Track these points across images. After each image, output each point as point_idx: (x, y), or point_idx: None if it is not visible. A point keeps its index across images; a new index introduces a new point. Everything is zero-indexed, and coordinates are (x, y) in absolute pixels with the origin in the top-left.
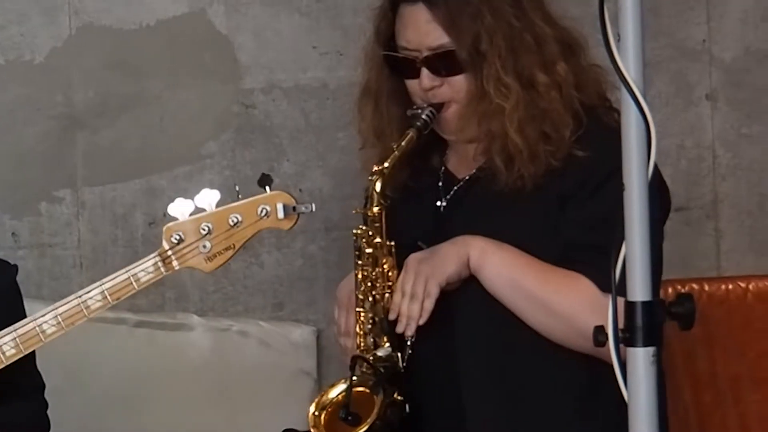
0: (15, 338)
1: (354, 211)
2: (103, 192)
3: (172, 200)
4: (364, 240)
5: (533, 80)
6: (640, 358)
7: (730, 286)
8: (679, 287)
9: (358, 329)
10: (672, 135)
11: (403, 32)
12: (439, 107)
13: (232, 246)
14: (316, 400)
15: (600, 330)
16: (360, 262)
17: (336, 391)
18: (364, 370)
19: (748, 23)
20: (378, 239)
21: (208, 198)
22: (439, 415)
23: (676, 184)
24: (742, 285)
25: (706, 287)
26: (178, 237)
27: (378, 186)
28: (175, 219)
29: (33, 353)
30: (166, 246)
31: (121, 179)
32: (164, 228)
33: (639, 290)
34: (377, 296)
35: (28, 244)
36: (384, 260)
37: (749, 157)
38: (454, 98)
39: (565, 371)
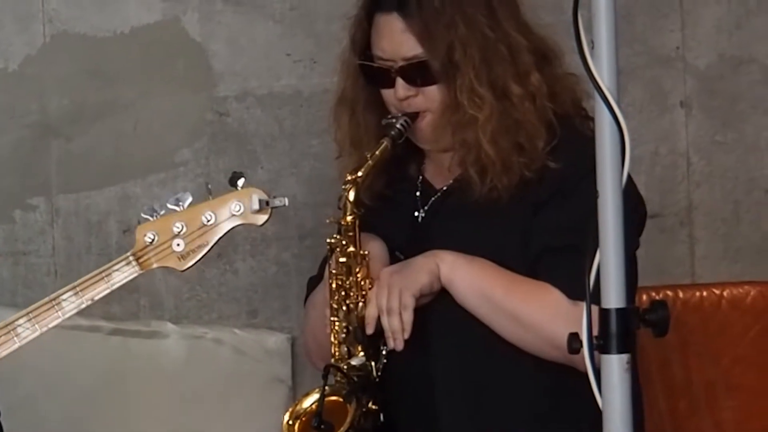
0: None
1: (327, 220)
2: (77, 199)
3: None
4: (338, 249)
5: (507, 91)
6: (615, 365)
7: (705, 293)
8: (653, 294)
9: (332, 339)
10: (646, 142)
11: (378, 42)
12: (413, 117)
13: (205, 243)
14: (290, 409)
15: (574, 337)
16: (334, 271)
17: (310, 400)
18: (338, 379)
19: (722, 30)
20: (352, 248)
21: (180, 199)
22: (413, 424)
23: (650, 191)
24: (717, 292)
25: (681, 294)
26: (151, 236)
27: (351, 195)
28: (147, 219)
29: None
30: (139, 245)
31: (95, 187)
32: (137, 228)
33: (613, 297)
34: (351, 305)
35: (2, 252)
36: (358, 269)
37: (723, 164)
38: (428, 108)
39: (538, 380)
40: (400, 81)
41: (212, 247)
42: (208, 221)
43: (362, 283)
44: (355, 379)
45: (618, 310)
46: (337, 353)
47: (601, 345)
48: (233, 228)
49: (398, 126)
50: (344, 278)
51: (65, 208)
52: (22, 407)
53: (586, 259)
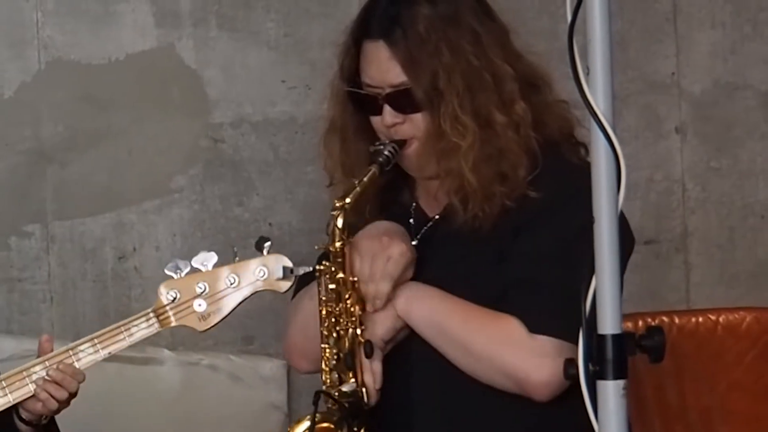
0: (3, 387)
1: (316, 247)
2: (72, 226)
3: (142, 234)
4: (326, 276)
5: (490, 119)
6: (611, 391)
7: (700, 319)
8: (649, 320)
9: (323, 365)
10: (641, 168)
11: (366, 69)
12: (401, 144)
13: (227, 306)
14: None
15: (570, 363)
16: (323, 298)
17: (302, 428)
18: (330, 405)
19: (717, 56)
20: (341, 275)
21: (205, 259)
22: None
23: (645, 217)
24: (712, 318)
25: (676, 320)
26: (173, 294)
27: (339, 221)
28: (170, 277)
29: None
30: (161, 302)
31: (90, 213)
32: (160, 285)
33: (609, 323)
34: (341, 332)
35: None
36: (347, 295)
37: (719, 190)
38: (415, 135)
39: (525, 410)
40: (387, 108)
41: (233, 310)
42: (231, 284)
43: (352, 309)
44: (346, 405)
45: (614, 336)
46: (328, 380)
47: (597, 371)
48: (255, 293)
49: (386, 153)
50: (334, 305)
51: (60, 235)
52: None
53: (549, 292)
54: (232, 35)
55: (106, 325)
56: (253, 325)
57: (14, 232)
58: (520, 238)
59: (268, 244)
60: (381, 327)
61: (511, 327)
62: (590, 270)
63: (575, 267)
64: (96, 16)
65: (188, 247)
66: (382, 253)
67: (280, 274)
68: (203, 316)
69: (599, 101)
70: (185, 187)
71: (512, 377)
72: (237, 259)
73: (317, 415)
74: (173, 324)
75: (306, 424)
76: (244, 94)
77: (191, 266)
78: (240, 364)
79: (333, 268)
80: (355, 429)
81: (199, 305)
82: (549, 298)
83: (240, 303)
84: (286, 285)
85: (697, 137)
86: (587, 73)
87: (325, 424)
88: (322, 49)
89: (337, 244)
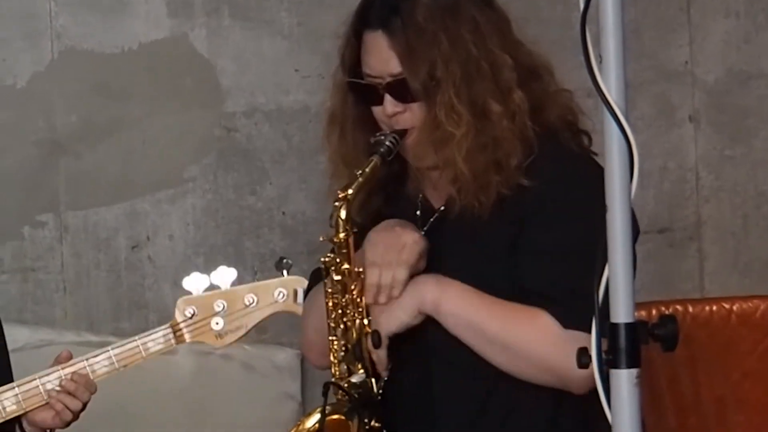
0: (17, 394)
1: (321, 239)
2: (85, 216)
3: (155, 223)
4: (332, 267)
5: (486, 109)
6: (624, 379)
7: (714, 308)
8: (662, 309)
9: (332, 357)
10: (655, 157)
11: (366, 59)
12: (402, 134)
13: (244, 326)
14: (294, 428)
15: (583, 352)
16: (329, 290)
17: (313, 420)
18: (339, 397)
19: (731, 45)
20: (346, 266)
21: (224, 276)
22: None
23: (659, 206)
24: (726, 306)
25: (690, 309)
26: (191, 311)
27: (343, 213)
28: (189, 292)
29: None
30: (178, 318)
31: (103, 203)
32: (178, 300)
33: (622, 312)
34: (348, 323)
35: (11, 269)
36: (353, 287)
37: (732, 178)
38: (415, 125)
39: (540, 398)
40: (388, 97)
41: (250, 330)
42: (250, 304)
43: (358, 300)
44: (356, 396)
45: (627, 324)
46: (337, 372)
47: (610, 360)
48: (273, 314)
49: (387, 143)
50: (340, 296)
51: (74, 225)
52: None
53: (573, 286)
54: (246, 24)
55: (119, 314)
56: None
57: (28, 221)
58: (530, 230)
59: (289, 265)
60: (395, 321)
61: (547, 323)
62: (602, 259)
63: (589, 257)
64: (109, 6)
65: (202, 237)
66: (395, 241)
67: (301, 300)
68: (220, 335)
69: (612, 90)
70: (198, 177)
71: (553, 373)
72: (257, 278)
73: (328, 406)
74: (188, 341)
75: (316, 416)
76: (257, 83)
77: (210, 282)
78: (254, 354)
79: (338, 260)
80: (366, 420)
81: (217, 324)
82: (574, 292)
83: (258, 323)
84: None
85: (711, 126)
86: (600, 62)
87: (335, 416)
88: (336, 38)
89: (341, 235)
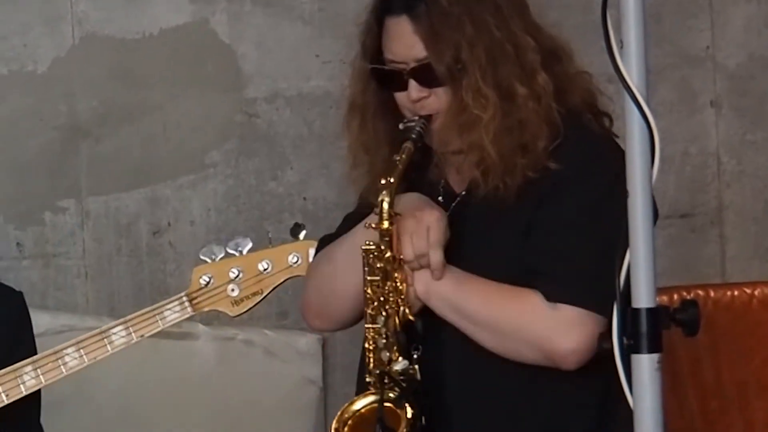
0: (36, 368)
1: (365, 226)
2: (107, 201)
3: (177, 209)
4: (373, 255)
5: (512, 91)
6: (645, 364)
7: (735, 293)
8: (684, 293)
9: (368, 345)
10: (676, 142)
11: (389, 45)
12: (428, 119)
13: (259, 291)
14: (337, 416)
15: (604, 337)
16: (369, 277)
17: (358, 405)
18: (376, 385)
19: (752, 30)
20: (389, 253)
21: (239, 245)
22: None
23: (680, 191)
24: (748, 291)
25: (711, 294)
26: (207, 279)
27: (387, 200)
28: (205, 261)
29: (39, 409)
30: (194, 287)
31: (125, 189)
32: (194, 269)
33: (643, 297)
34: (390, 311)
35: (33, 254)
36: (396, 274)
37: (754, 163)
38: (439, 110)
39: (559, 383)
40: (412, 83)
41: (266, 296)
42: (265, 270)
43: (401, 287)
44: (403, 384)
45: (648, 309)
46: (373, 359)
47: (631, 345)
48: (288, 279)
49: (417, 128)
50: (381, 284)
51: (95, 210)
52: (52, 409)
53: (570, 262)
54: (267, 10)
55: (140, 300)
56: (288, 300)
57: (49, 207)
58: (542, 209)
59: (303, 233)
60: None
61: (532, 299)
62: (624, 243)
63: (598, 235)
64: None
65: (223, 222)
66: (419, 226)
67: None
68: (236, 301)
69: (633, 75)
70: (220, 162)
71: (539, 348)
72: (271, 244)
73: (376, 395)
74: (206, 309)
75: (360, 402)
76: (278, 68)
77: (226, 251)
78: (275, 339)
79: (382, 247)
80: (414, 407)
81: (233, 290)
82: (571, 267)
83: (273, 289)
84: None
85: (732, 111)
86: (621, 47)
87: (386, 404)
88: (357, 23)
89: (386, 223)
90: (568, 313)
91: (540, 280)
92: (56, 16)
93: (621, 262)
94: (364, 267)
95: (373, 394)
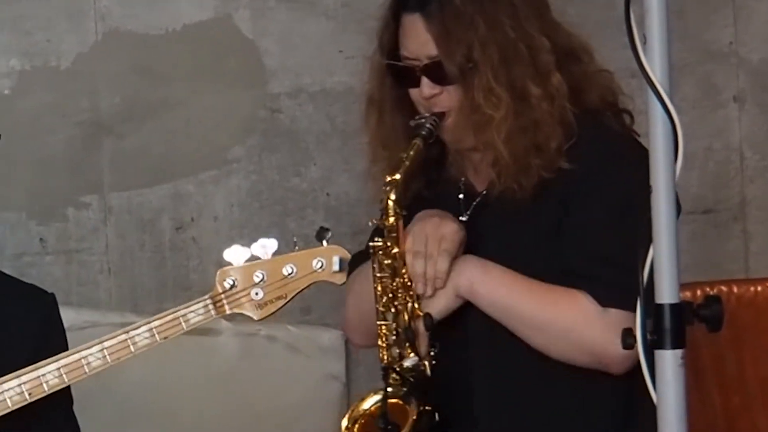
0: (59, 368)
1: (370, 223)
2: (129, 197)
3: (200, 205)
4: (381, 252)
5: (525, 91)
6: (669, 360)
7: (759, 288)
8: (707, 289)
9: (380, 342)
10: (699, 137)
11: (404, 41)
12: (441, 116)
13: (283, 296)
14: (348, 413)
15: (628, 333)
16: (379, 274)
17: (368, 403)
18: (392, 381)
19: None
20: (396, 249)
21: (265, 246)
22: (456, 425)
23: (703, 187)
24: None
25: (735, 289)
26: (231, 282)
27: (393, 196)
28: (229, 264)
29: (70, 399)
30: (218, 289)
31: (147, 184)
32: (218, 271)
33: (667, 292)
34: (399, 307)
35: (56, 250)
36: (403, 270)
37: None
38: (453, 107)
39: (581, 381)
40: (425, 80)
41: (290, 300)
42: (290, 274)
43: (409, 283)
44: (412, 380)
45: (672, 305)
46: (386, 356)
47: (654, 341)
48: (312, 284)
49: (428, 125)
50: (390, 280)
51: (118, 206)
52: (76, 404)
53: (613, 265)
54: (290, 5)
55: (163, 296)
56: (311, 296)
57: (72, 203)
58: (573, 211)
59: (329, 236)
60: (436, 307)
61: (584, 302)
62: (647, 239)
63: (631, 237)
64: None
65: (246, 218)
66: (435, 232)
67: (337, 268)
68: (260, 305)
69: (656, 70)
70: (243, 158)
71: (591, 353)
72: (297, 248)
73: (381, 392)
74: (228, 312)
75: (371, 399)
76: (301, 64)
77: (251, 253)
78: (298, 335)
79: (388, 243)
80: (422, 403)
81: (257, 294)
82: (614, 271)
83: (297, 293)
84: (342, 278)
85: (756, 106)
86: (644, 43)
87: (393, 400)
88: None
89: (391, 219)
90: (620, 317)
91: (585, 284)
92: (79, 12)
93: (645, 258)
94: (372, 264)
95: (382, 390)
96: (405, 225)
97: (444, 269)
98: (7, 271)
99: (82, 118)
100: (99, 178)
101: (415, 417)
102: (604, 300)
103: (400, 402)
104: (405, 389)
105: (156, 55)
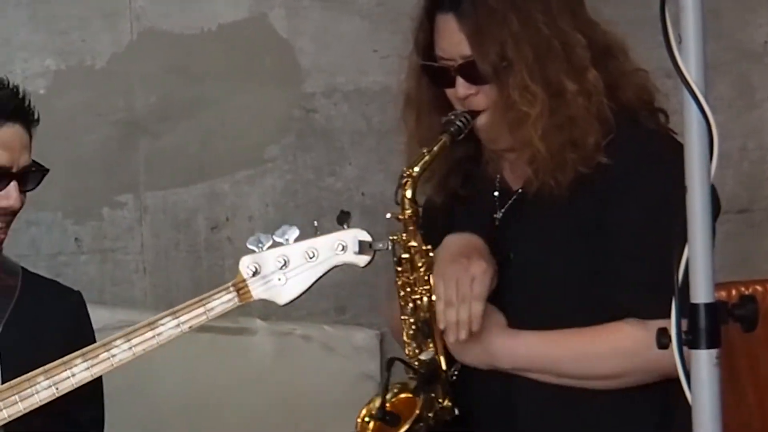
0: (86, 360)
1: (387, 216)
2: (165, 196)
3: (235, 204)
4: (400, 246)
5: (561, 88)
6: (704, 360)
7: None
8: (742, 289)
9: (404, 336)
10: (734, 137)
11: (439, 41)
12: (474, 114)
13: (307, 279)
14: (365, 407)
15: (663, 332)
16: (399, 268)
17: (379, 402)
18: (411, 375)
19: None
20: (413, 243)
21: (287, 233)
22: (491, 422)
23: (738, 187)
24: None
25: None
26: (254, 268)
27: (408, 190)
28: (252, 251)
29: (101, 384)
30: (242, 276)
31: (182, 184)
32: (241, 258)
33: (702, 292)
34: (418, 301)
35: (91, 249)
36: (421, 264)
37: None
38: (488, 106)
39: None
40: (460, 80)
41: (313, 284)
42: (311, 258)
43: (426, 277)
44: (422, 372)
45: (707, 305)
46: (409, 350)
47: (689, 340)
48: (334, 267)
49: (458, 123)
50: (408, 274)
51: (153, 205)
52: (111, 404)
53: (657, 272)
54: (325, 4)
55: (198, 295)
56: (346, 296)
57: (107, 202)
58: (611, 210)
59: (350, 219)
60: (463, 359)
61: (630, 332)
62: (682, 239)
63: (669, 237)
64: None
65: (281, 217)
66: (465, 275)
67: (357, 249)
68: (283, 290)
69: (691, 70)
70: (278, 157)
71: (660, 372)
72: (318, 233)
73: (398, 384)
74: (253, 298)
75: (389, 394)
76: (336, 63)
77: (273, 240)
78: (333, 334)
79: (405, 237)
80: (434, 395)
81: (279, 279)
82: (658, 278)
83: (320, 277)
84: (364, 259)
85: None
86: (680, 42)
87: (404, 394)
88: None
89: (408, 212)
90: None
91: (624, 292)
92: (114, 12)
93: (679, 258)
94: (393, 258)
95: (399, 384)
96: (439, 223)
97: (479, 313)
98: (42, 271)
99: (118, 118)
100: (134, 177)
101: (420, 408)
102: (646, 312)
103: (410, 395)
104: (415, 382)
105: (191, 54)
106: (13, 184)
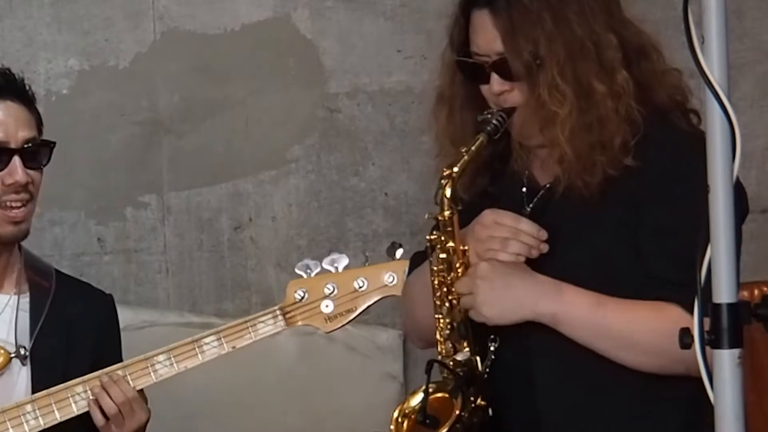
0: (126, 374)
1: (426, 216)
2: (188, 197)
3: (258, 204)
4: (437, 246)
5: (590, 88)
6: (726, 360)
7: None
8: (765, 289)
9: (438, 336)
10: (757, 137)
11: (474, 38)
12: (509, 112)
13: (353, 309)
14: (400, 406)
15: (685, 332)
16: (435, 268)
17: (417, 399)
18: (445, 375)
19: None
20: (451, 243)
21: (335, 260)
22: (516, 422)
23: (762, 187)
24: None
25: None
26: (302, 293)
27: (448, 191)
28: (300, 276)
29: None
30: (288, 300)
31: (206, 184)
32: (289, 282)
33: (724, 292)
34: (454, 301)
35: (114, 250)
36: (458, 264)
37: None
38: (522, 103)
39: (639, 380)
40: (494, 76)
41: (360, 314)
42: (360, 288)
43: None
44: (460, 373)
45: (729, 305)
46: (443, 350)
47: (712, 340)
48: (383, 298)
49: (494, 122)
50: (445, 274)
51: (176, 206)
52: None
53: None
54: (349, 5)
55: (221, 295)
56: None
57: (130, 202)
58: (649, 213)
59: (400, 251)
60: (502, 317)
61: (675, 314)
62: (705, 238)
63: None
64: None
65: (304, 218)
66: (494, 222)
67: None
68: (330, 318)
69: (714, 70)
70: (301, 157)
71: (684, 366)
72: (367, 263)
73: (432, 384)
74: (299, 323)
75: (422, 394)
76: (360, 64)
77: (321, 267)
78: (356, 335)
79: (443, 238)
80: (471, 398)
81: (327, 306)
82: (692, 280)
83: (367, 307)
84: None
85: None
86: (702, 42)
87: (440, 394)
88: (439, 18)
89: (446, 213)
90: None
91: (673, 292)
92: (138, 12)
93: (703, 257)
94: (429, 258)
95: (433, 384)
96: (465, 223)
97: (533, 225)
98: (65, 271)
99: (141, 118)
100: (157, 177)
101: (458, 411)
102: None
103: (447, 396)
104: (452, 383)
105: (215, 54)
106: (17, 160)
